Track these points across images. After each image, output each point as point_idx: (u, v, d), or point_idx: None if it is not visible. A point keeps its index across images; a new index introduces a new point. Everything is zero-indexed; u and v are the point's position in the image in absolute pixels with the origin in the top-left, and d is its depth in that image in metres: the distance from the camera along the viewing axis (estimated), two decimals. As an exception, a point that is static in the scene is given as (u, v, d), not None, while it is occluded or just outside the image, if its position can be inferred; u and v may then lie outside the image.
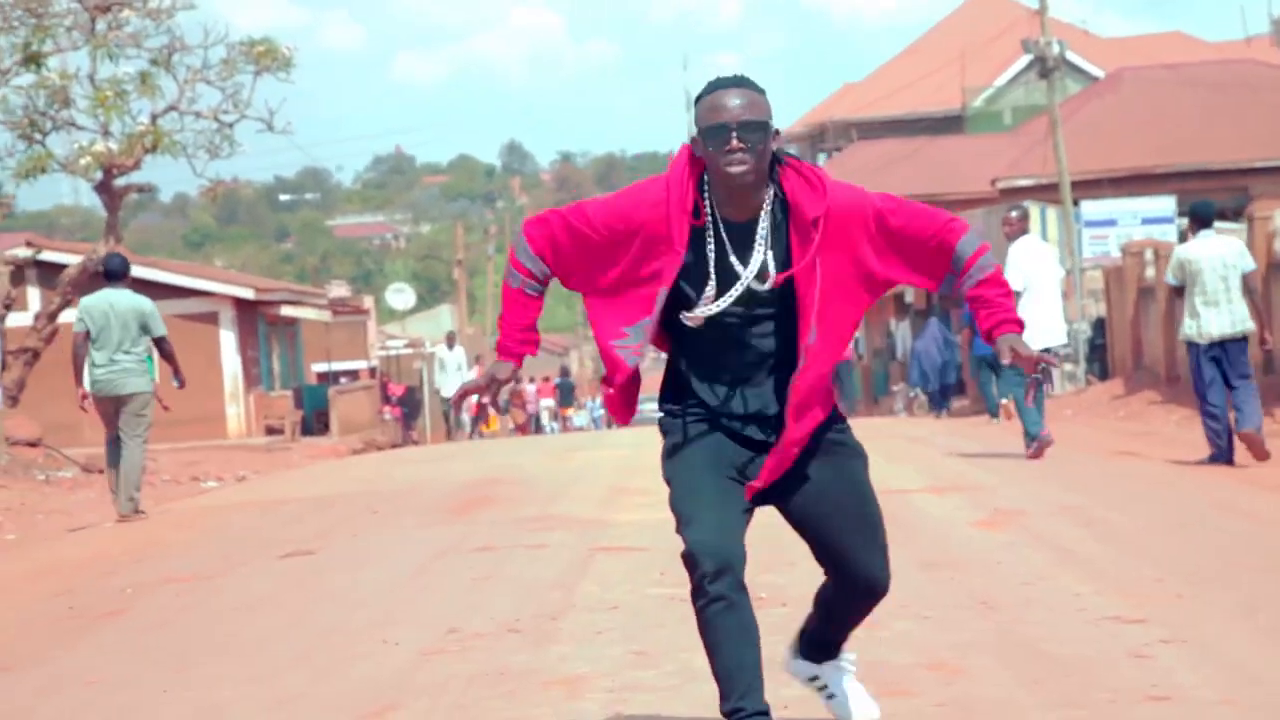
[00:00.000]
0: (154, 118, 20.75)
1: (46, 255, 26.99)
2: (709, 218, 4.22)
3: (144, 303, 12.69)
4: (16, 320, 23.53)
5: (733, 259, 4.22)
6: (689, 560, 4.14)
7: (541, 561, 8.44)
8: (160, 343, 12.68)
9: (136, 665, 6.45)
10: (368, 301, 46.45)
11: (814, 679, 4.67)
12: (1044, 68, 30.06)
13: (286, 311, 34.46)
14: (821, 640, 4.62)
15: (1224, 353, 12.28)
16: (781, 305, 4.24)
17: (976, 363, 21.36)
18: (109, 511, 13.79)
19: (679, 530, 4.20)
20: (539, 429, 44.49)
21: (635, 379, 4.36)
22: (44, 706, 5.83)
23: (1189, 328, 12.39)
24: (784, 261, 4.22)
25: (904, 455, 13.69)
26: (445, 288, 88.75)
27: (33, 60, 19.90)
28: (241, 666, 6.22)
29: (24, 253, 25.86)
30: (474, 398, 4.36)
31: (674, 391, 4.39)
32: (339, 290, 48.24)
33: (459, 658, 6.04)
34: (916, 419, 26.34)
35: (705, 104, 4.20)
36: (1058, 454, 13.02)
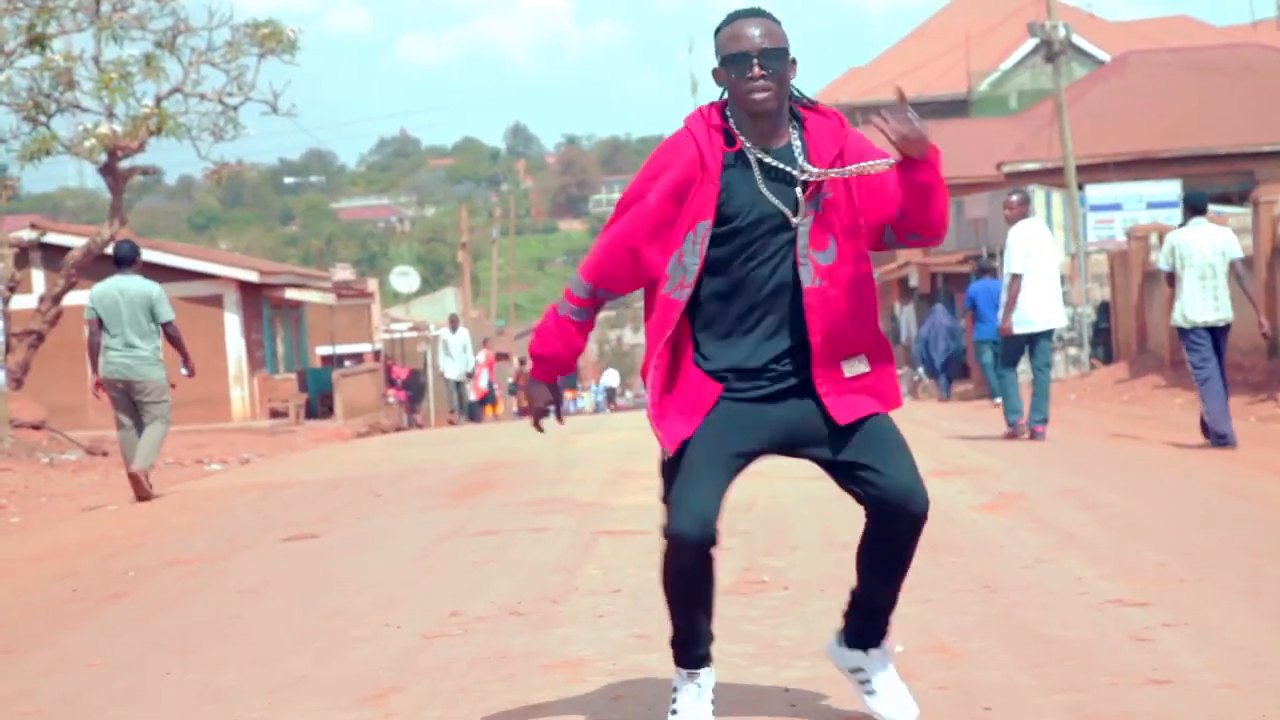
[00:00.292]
0: (158, 100, 20.74)
1: (51, 238, 27.04)
2: (743, 141, 4.28)
3: (152, 288, 12.78)
4: (21, 303, 23.56)
5: (763, 188, 4.25)
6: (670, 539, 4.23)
7: (543, 545, 8.45)
8: (167, 327, 12.72)
9: (139, 648, 6.46)
10: (372, 284, 46.38)
11: (857, 670, 4.57)
12: (1049, 51, 29.98)
13: (291, 294, 34.46)
14: (870, 607, 4.52)
15: (1211, 338, 12.51)
16: (800, 240, 4.27)
17: (979, 347, 21.37)
18: (113, 494, 13.81)
19: (665, 501, 4.27)
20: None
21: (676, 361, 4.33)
22: (46, 688, 5.83)
23: (1177, 313, 12.59)
24: (809, 194, 4.27)
25: (907, 438, 13.65)
26: (450, 271, 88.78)
27: (37, 42, 19.88)
28: (244, 649, 6.23)
29: (29, 235, 25.93)
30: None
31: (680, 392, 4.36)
32: (343, 273, 48.27)
33: (461, 641, 6.04)
34: (920, 402, 26.33)
35: (725, 34, 4.27)
36: (1060, 437, 13.01)
